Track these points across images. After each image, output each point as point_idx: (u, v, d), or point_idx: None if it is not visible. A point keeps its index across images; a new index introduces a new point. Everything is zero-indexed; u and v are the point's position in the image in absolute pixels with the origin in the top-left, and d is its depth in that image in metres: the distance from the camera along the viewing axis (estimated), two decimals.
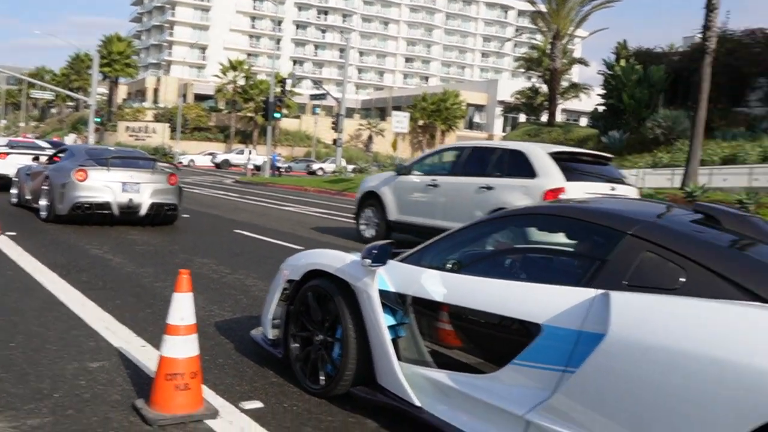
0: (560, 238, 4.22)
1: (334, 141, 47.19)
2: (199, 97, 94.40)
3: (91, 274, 8.43)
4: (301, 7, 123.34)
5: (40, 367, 4.90)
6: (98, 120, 58.17)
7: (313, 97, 58.02)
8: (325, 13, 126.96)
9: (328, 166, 58.73)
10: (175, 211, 14.10)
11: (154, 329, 6.04)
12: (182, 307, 4.19)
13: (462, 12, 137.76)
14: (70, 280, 7.91)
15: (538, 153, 11.02)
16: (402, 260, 4.38)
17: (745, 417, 2.54)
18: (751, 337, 2.66)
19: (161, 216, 13.82)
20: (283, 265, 5.32)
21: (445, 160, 13.44)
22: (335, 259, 4.68)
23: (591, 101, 48.27)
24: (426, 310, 4.07)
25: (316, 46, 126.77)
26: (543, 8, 41.79)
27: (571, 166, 10.87)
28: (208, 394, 4.48)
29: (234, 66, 77.71)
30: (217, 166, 59.01)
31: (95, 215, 13.12)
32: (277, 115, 42.64)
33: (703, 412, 2.67)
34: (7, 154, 20.35)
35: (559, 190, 10.39)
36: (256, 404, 4.42)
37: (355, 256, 4.60)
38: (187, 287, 4.23)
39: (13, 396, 4.32)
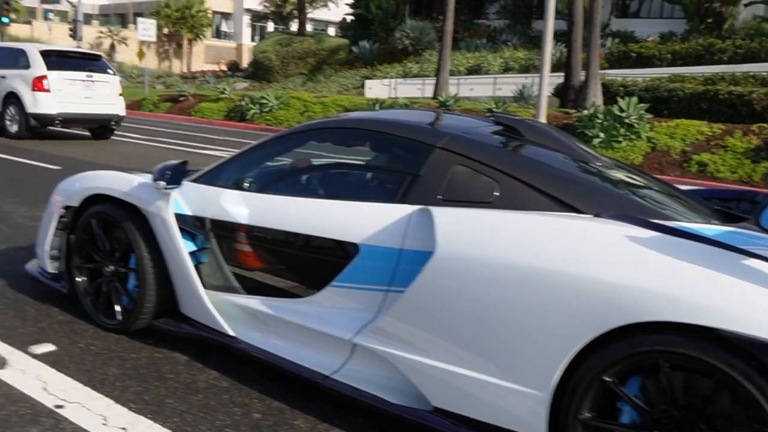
0: (364, 153, 4.18)
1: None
2: None
3: None
4: None
5: None
6: None
7: (45, 0, 53.13)
8: None
9: None
10: None
11: None
12: None
13: None
14: None
15: (32, 50, 15.46)
16: (195, 180, 4.10)
17: (580, 328, 2.60)
18: (570, 246, 2.74)
19: None
20: (57, 191, 4.82)
21: None
22: (119, 182, 4.28)
23: (339, 11, 48.53)
24: (229, 233, 3.86)
25: None
26: None
27: (56, 61, 15.41)
28: None
29: None
30: None
31: None
32: (4, 19, 38.63)
33: (532, 324, 2.73)
34: None
35: (43, 77, 15.05)
36: (48, 347, 4.04)
37: (141, 178, 4.27)
38: None
39: None
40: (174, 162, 3.97)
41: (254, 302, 3.72)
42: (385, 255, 3.22)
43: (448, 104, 20.73)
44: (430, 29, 33.47)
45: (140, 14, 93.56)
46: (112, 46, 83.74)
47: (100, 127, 16.58)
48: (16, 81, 15.27)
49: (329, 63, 35.57)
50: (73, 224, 4.54)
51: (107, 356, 3.98)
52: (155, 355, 4.04)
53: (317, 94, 25.88)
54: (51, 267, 4.75)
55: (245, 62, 59.84)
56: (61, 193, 4.72)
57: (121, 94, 16.57)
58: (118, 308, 4.27)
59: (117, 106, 16.36)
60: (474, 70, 29.09)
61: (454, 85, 26.16)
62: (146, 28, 28.73)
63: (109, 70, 16.47)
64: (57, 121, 15.34)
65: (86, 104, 15.66)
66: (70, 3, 49.09)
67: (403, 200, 3.33)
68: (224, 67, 57.92)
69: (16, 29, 71.02)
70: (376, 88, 29.37)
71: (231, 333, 3.77)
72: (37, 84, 15.04)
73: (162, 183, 3.85)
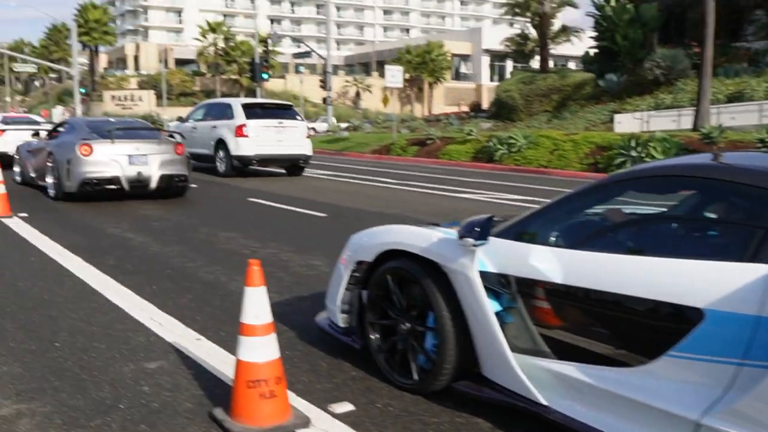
0: (694, 203, 3.73)
1: (324, 99, 46.60)
2: (180, 62, 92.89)
3: (117, 256, 7.96)
4: None
5: (94, 372, 4.46)
6: (83, 90, 57.12)
7: (297, 55, 57.07)
8: None
9: (320, 126, 57.90)
10: (186, 182, 13.62)
11: (202, 318, 5.62)
12: (257, 304, 3.71)
13: None
14: (97, 264, 7.44)
15: (236, 104, 19.00)
16: (499, 235, 3.83)
17: None
18: None
19: (172, 188, 13.35)
20: (349, 245, 4.81)
21: (197, 111, 20.82)
22: (416, 237, 4.14)
23: (582, 45, 47.45)
24: (539, 293, 3.53)
25: (292, 3, 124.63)
26: None
27: (254, 111, 18.63)
28: (289, 396, 4.05)
29: (213, 28, 76.36)
30: None
31: (105, 191, 12.64)
32: (264, 75, 41.82)
33: None
34: (3, 130, 19.77)
35: (243, 125, 18.05)
36: (347, 406, 3.95)
37: (439, 233, 4.10)
38: (259, 280, 3.74)
39: (75, 410, 3.88)
40: (481, 217, 3.73)
41: (570, 369, 3.36)
42: (738, 322, 2.76)
43: (713, 136, 19.32)
44: (682, 57, 31.68)
45: (382, 62, 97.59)
46: (357, 94, 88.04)
47: (291, 165, 19.21)
48: (224, 129, 18.38)
49: (574, 99, 34.77)
50: (366, 279, 4.47)
51: (407, 419, 3.80)
52: (456, 420, 3.80)
53: (566, 132, 25.27)
54: (342, 321, 4.71)
55: (485, 102, 60.23)
56: (354, 247, 4.69)
57: (308, 137, 19.29)
58: (414, 368, 4.10)
59: (305, 148, 18.98)
60: (735, 98, 27.10)
61: (714, 115, 24.46)
62: (393, 75, 29.71)
63: (297, 117, 19.59)
64: (254, 162, 18.20)
65: (278, 146, 18.41)
66: (320, 56, 52.17)
67: (756, 258, 2.86)
68: (466, 108, 58.62)
69: (272, 83, 76.72)
70: (627, 122, 28.19)
71: (542, 401, 3.45)
72: (239, 131, 18.06)
73: (470, 240, 3.63)
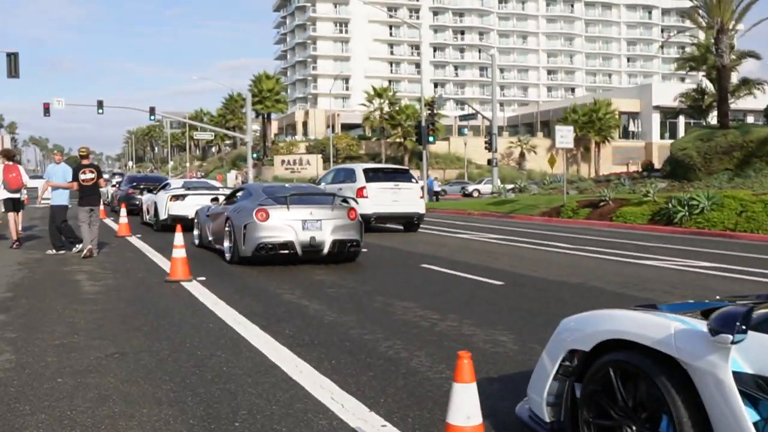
0: None
1: (489, 161, 46.22)
2: (346, 127, 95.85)
3: (293, 325, 7.74)
4: (437, 29, 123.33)
5: None
6: (255, 156, 59.79)
7: (462, 117, 57.28)
8: (462, 33, 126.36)
9: (484, 187, 57.55)
10: (358, 247, 13.53)
11: (386, 401, 5.18)
12: (467, 403, 3.24)
13: (602, 17, 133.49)
14: (273, 334, 7.24)
15: (358, 168, 21.89)
16: (755, 328, 3.14)
17: None
18: None
19: (344, 253, 13.23)
20: (560, 330, 4.21)
21: (328, 175, 24.04)
22: (646, 326, 3.51)
23: (763, 98, 44.73)
24: None
25: (456, 67, 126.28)
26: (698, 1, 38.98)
27: (373, 175, 21.19)
28: None
29: (378, 93, 78.17)
30: None
31: (278, 255, 12.70)
32: (430, 138, 41.98)
33: None
34: (184, 196, 20.58)
35: (363, 187, 20.32)
36: None
37: (677, 322, 3.42)
38: (470, 376, 3.26)
39: None
40: (738, 309, 3.05)
41: None
42: None
43: None
44: None
45: (547, 122, 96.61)
46: (522, 155, 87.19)
47: (407, 222, 21.16)
48: (348, 191, 19.50)
49: (759, 156, 32.45)
50: (581, 371, 3.88)
51: None
52: None
53: (753, 192, 23.46)
54: (548, 416, 4.12)
55: (656, 161, 57.82)
56: (565, 334, 4.10)
57: (421, 197, 21.56)
58: None
59: (418, 206, 21.04)
60: None
61: None
62: (563, 135, 28.83)
63: (412, 180, 22.11)
64: (372, 220, 19.73)
65: (394, 205, 20.44)
66: (485, 118, 52.05)
67: None
68: (635, 168, 56.55)
69: (436, 146, 77.19)
70: None
71: None
72: (360, 192, 20.05)
73: (727, 337, 2.98)
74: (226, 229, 13.57)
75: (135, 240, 17.67)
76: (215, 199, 16.27)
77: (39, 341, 6.91)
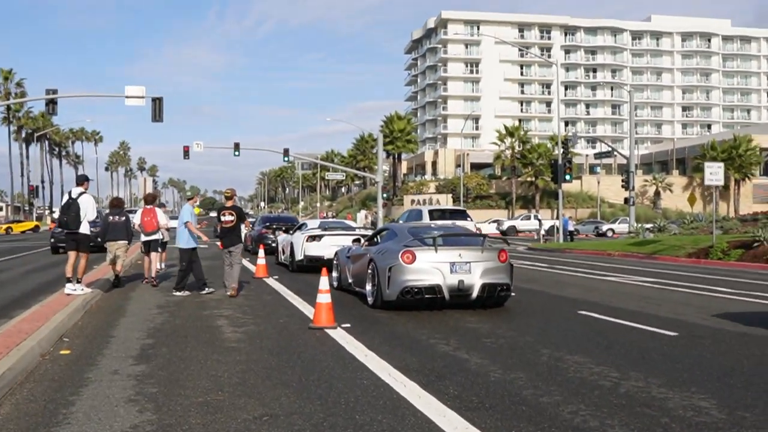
0: None
1: (626, 200, 44.16)
2: (475, 166, 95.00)
3: (456, 383, 6.86)
4: (568, 68, 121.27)
5: None
6: (385, 195, 59.74)
7: (598, 155, 55.22)
8: (594, 70, 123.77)
9: (619, 227, 55.31)
10: (509, 291, 12.54)
11: None
12: None
13: (741, 51, 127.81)
14: (436, 393, 6.40)
15: (424, 209, 28.96)
16: None
17: None
18: None
19: (494, 298, 12.30)
20: None
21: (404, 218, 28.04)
22: None
23: None
24: None
25: (587, 105, 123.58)
26: None
27: (435, 214, 27.63)
28: None
29: (510, 132, 77.08)
30: (503, 233, 57.71)
31: (424, 300, 11.87)
32: (567, 177, 40.49)
33: None
34: (321, 236, 20.26)
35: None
36: None
37: None
38: None
39: None
40: None
41: None
42: None
43: None
44: None
45: (682, 160, 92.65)
46: (657, 193, 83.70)
47: None
48: None
49: None
50: None
51: None
52: None
53: None
54: None
55: None
56: None
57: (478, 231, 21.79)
58: None
59: None
60: None
61: None
62: (713, 172, 26.93)
63: (468, 218, 26.72)
64: None
65: None
66: (623, 155, 50.03)
67: None
68: None
69: (568, 184, 75.03)
70: None
71: None
72: None
73: None
74: (369, 271, 12.86)
75: (272, 282, 17.33)
76: (357, 240, 15.74)
77: (181, 398, 6.32)
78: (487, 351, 8.51)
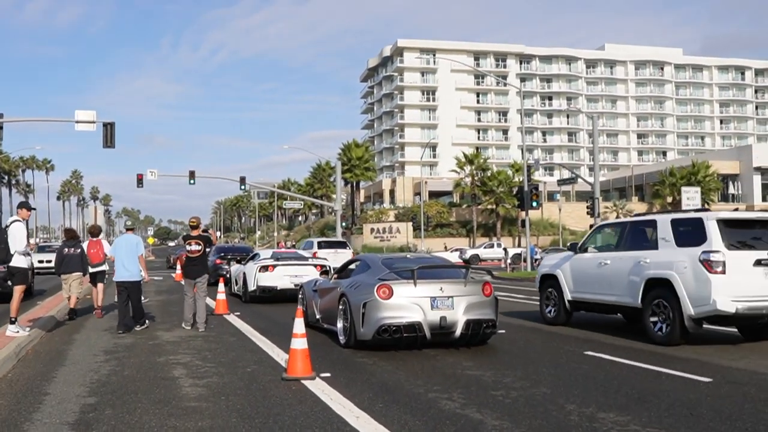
0: None
1: (591, 227, 43.08)
2: (434, 194, 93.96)
3: None
4: (525, 95, 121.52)
5: None
6: (344, 224, 58.25)
7: (561, 182, 54.49)
8: (549, 98, 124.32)
9: None
10: (494, 328, 11.27)
11: None
12: None
13: (693, 80, 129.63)
14: None
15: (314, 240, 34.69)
16: None
17: None
18: None
19: (479, 336, 11.03)
20: None
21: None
22: None
23: None
24: None
25: (543, 133, 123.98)
26: None
27: (322, 244, 33.23)
28: None
29: (470, 160, 76.23)
30: (466, 261, 56.50)
31: (403, 339, 10.58)
32: (534, 203, 39.45)
33: None
34: (274, 266, 19.76)
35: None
36: None
37: None
38: None
39: None
40: None
41: None
42: None
43: None
44: None
45: (639, 187, 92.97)
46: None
47: None
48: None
49: None
50: None
51: None
52: None
53: None
54: None
55: None
56: None
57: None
58: None
59: None
60: None
61: None
62: (690, 197, 26.35)
63: (348, 248, 28.02)
64: None
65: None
66: (587, 182, 49.34)
67: None
68: None
69: (531, 212, 74.17)
70: None
71: None
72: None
73: None
74: (341, 307, 11.55)
75: (234, 319, 15.68)
76: (325, 272, 14.45)
77: None
78: (502, 408, 7.08)
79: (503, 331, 12.83)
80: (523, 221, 53.48)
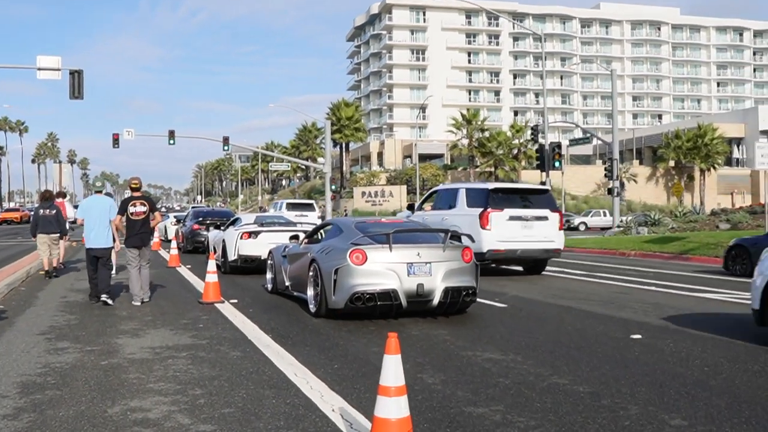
0: None
1: (609, 190, 40.05)
2: (423, 157, 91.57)
3: None
4: (517, 56, 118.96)
5: None
6: (333, 188, 55.87)
7: (573, 142, 52.00)
8: (543, 59, 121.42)
9: (592, 220, 52.36)
10: (474, 296, 10.37)
11: None
12: None
13: (690, 41, 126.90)
14: None
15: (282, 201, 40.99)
16: None
17: None
18: None
19: (458, 304, 10.16)
20: None
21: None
22: None
23: None
24: None
25: (536, 94, 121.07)
26: None
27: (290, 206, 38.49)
28: None
29: (468, 120, 73.65)
30: None
31: (377, 307, 9.77)
32: (557, 164, 36.72)
33: None
34: (258, 233, 17.09)
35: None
36: None
37: None
38: None
39: None
40: None
41: None
42: None
43: None
44: None
45: (639, 150, 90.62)
46: (622, 184, 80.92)
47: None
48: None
49: None
50: None
51: None
52: None
53: None
54: None
55: (763, 189, 51.58)
56: None
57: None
58: None
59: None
60: None
61: None
62: (765, 155, 23.96)
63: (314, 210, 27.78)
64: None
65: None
66: (604, 142, 46.74)
67: None
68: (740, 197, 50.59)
69: (529, 176, 71.84)
70: None
71: None
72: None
73: None
74: (311, 273, 10.70)
75: (231, 310, 10.93)
76: (295, 237, 12.56)
77: None
78: (518, 404, 4.76)
79: (504, 306, 10.63)
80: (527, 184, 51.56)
